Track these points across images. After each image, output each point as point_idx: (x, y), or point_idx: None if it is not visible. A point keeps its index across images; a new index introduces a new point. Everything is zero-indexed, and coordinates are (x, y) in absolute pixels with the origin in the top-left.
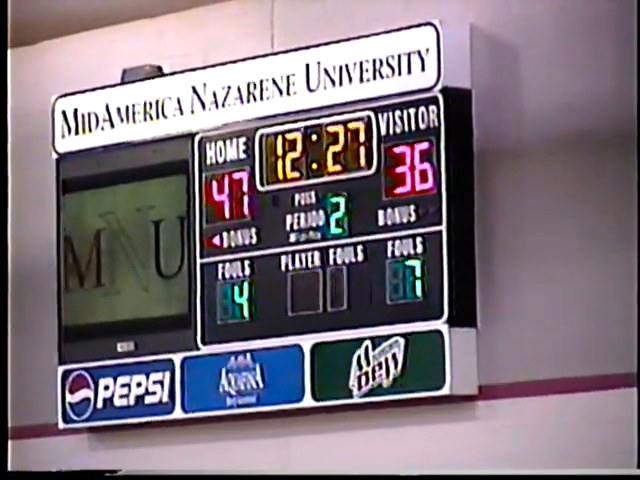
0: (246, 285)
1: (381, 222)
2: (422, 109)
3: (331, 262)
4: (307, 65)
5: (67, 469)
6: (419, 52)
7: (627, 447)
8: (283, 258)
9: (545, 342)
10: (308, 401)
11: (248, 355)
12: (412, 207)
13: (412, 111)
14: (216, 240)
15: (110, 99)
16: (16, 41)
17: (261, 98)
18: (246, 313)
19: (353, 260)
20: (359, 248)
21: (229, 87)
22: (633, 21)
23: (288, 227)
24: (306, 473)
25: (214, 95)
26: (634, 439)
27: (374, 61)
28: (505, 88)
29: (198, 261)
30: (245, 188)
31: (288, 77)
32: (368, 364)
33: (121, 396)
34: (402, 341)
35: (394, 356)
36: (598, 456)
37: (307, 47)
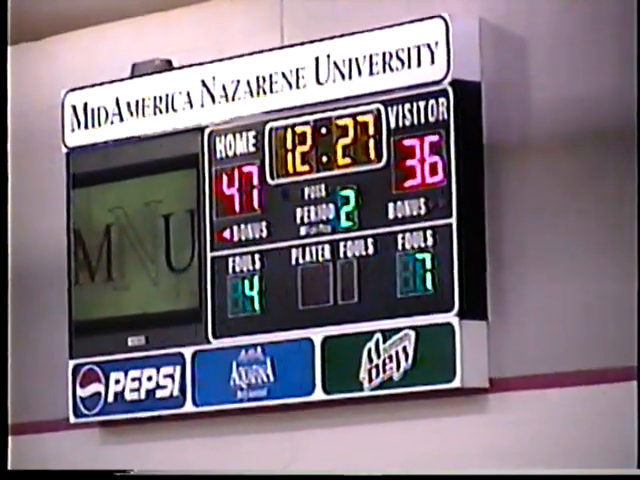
0: (256, 279)
1: (391, 215)
2: (432, 102)
3: (341, 255)
4: (317, 58)
5: (78, 465)
6: (429, 45)
7: (628, 444)
8: (293, 251)
9: (555, 335)
10: (319, 394)
11: (259, 349)
12: (422, 200)
13: (422, 104)
14: (226, 234)
15: (120, 93)
16: (25, 36)
17: (271, 91)
18: (257, 307)
19: (363, 253)
20: (369, 241)
21: (239, 81)
22: (635, 17)
23: (298, 220)
24: (314, 469)
25: (224, 89)
26: (634, 431)
27: (384, 54)
28: (514, 81)
29: (208, 255)
30: (255, 181)
31: (298, 70)
32: (379, 357)
33: (132, 390)
34: (413, 334)
35: (405, 349)
36: (603, 449)
37: (316, 40)
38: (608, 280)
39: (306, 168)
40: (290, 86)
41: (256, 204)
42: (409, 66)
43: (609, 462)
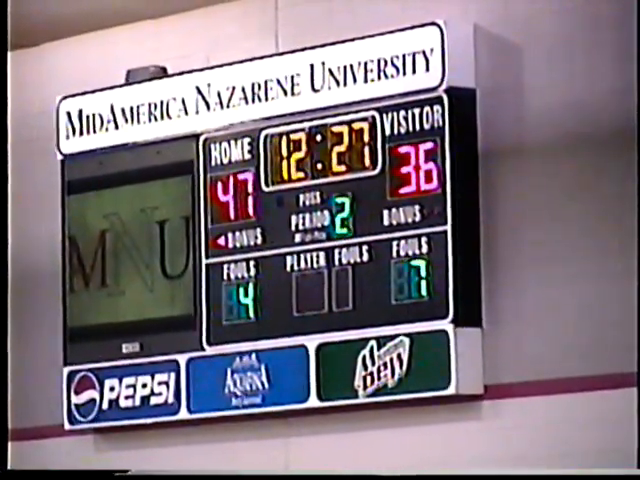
0: (251, 286)
1: (386, 222)
2: (427, 109)
3: (336, 262)
4: (311, 65)
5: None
6: (423, 52)
7: (628, 445)
8: (288, 258)
9: (550, 342)
10: (313, 401)
11: (253, 355)
12: (417, 207)
13: (417, 111)
14: (221, 241)
15: (115, 100)
16: (20, 43)
17: (266, 98)
18: (251, 313)
19: (358, 260)
20: (364, 248)
21: (233, 87)
22: (633, 20)
23: (293, 227)
24: (311, 473)
25: (218, 96)
26: (634, 436)
27: (378, 61)
28: (509, 87)
29: (203, 262)
30: (250, 189)
31: (292, 77)
32: (373, 364)
33: (126, 397)
34: (407, 341)
35: (399, 356)
36: (600, 454)
37: (311, 47)
38: (606, 286)
39: (301, 175)
40: (285, 93)
41: (251, 211)
42: (404, 73)
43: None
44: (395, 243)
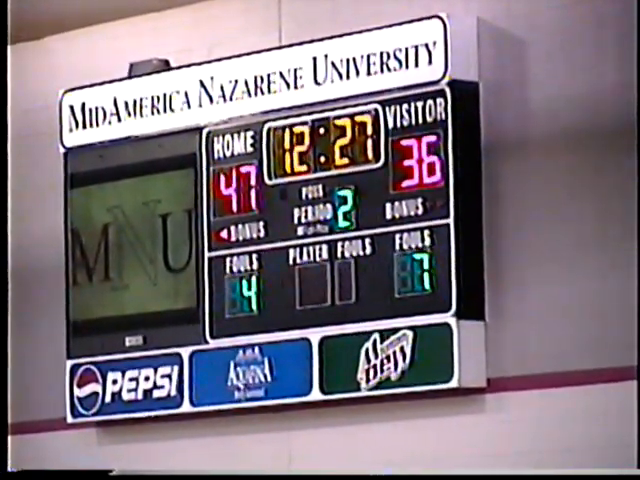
0: (254, 279)
1: (389, 215)
2: (429, 102)
3: (339, 255)
4: (314, 58)
5: (75, 465)
6: (426, 45)
7: (628, 438)
8: (291, 251)
9: (552, 335)
10: (316, 394)
11: (256, 349)
12: (420, 200)
13: (419, 104)
14: (224, 234)
15: (117, 93)
16: (23, 37)
17: (269, 91)
18: (254, 307)
19: (361, 253)
20: (367, 241)
21: (236, 81)
22: (634, 15)
23: (296, 220)
24: (313, 469)
25: (221, 89)
26: (634, 429)
27: (381, 54)
28: (512, 81)
29: (206, 255)
30: (253, 182)
31: (295, 70)
32: (376, 357)
33: (129, 390)
34: (410, 334)
35: (402, 349)
36: (602, 446)
37: (314, 40)
38: (607, 280)
39: (304, 168)
40: (288, 86)
41: (254, 204)
42: (407, 66)
43: (608, 462)
44: (398, 236)
